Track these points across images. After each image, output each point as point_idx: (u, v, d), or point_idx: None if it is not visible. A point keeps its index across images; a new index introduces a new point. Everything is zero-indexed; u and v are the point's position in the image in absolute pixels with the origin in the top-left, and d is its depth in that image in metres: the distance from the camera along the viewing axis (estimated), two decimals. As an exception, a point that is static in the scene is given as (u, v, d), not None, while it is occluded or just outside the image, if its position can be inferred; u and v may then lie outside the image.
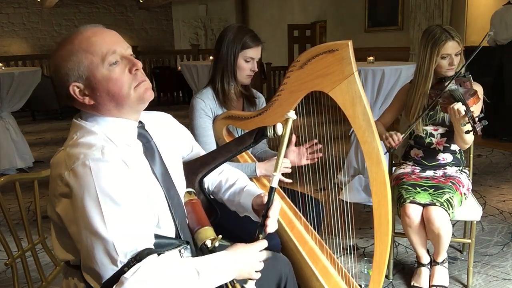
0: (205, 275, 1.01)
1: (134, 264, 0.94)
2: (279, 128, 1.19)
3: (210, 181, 1.45)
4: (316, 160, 1.85)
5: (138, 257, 0.95)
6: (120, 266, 0.94)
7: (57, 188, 0.99)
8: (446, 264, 2.13)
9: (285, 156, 1.82)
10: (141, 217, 1.00)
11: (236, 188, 1.41)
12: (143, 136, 1.15)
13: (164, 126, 1.29)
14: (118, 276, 0.94)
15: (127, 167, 1.01)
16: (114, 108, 1.07)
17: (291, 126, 1.18)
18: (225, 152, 1.43)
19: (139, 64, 1.07)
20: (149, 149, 1.15)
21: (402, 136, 2.01)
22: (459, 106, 1.86)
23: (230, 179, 1.44)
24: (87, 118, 1.10)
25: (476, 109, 2.01)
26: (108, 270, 0.95)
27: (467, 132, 1.84)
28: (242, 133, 1.96)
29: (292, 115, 1.18)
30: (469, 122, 1.82)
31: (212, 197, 1.45)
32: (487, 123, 1.83)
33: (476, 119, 1.82)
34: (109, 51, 1.03)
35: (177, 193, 1.21)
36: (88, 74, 1.03)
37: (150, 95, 1.10)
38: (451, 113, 1.91)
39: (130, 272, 0.94)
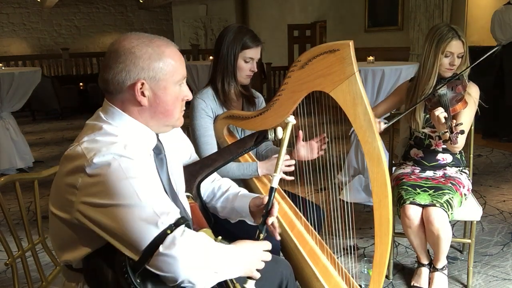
0: (228, 256, 1.05)
1: (175, 228, 0.95)
2: (279, 132, 1.28)
3: (203, 189, 1.45)
4: (322, 153, 1.85)
5: (177, 223, 0.97)
6: (161, 227, 0.94)
7: (79, 180, 0.98)
8: (446, 271, 2.12)
9: (293, 154, 1.82)
10: (166, 195, 1.04)
11: (229, 194, 1.42)
12: (157, 148, 1.17)
13: (172, 137, 1.30)
14: (158, 240, 0.94)
15: (147, 163, 1.05)
16: (156, 119, 1.11)
17: (291, 129, 1.25)
18: (225, 155, 1.44)
19: (190, 97, 1.18)
20: (160, 161, 1.17)
21: (384, 127, 2.01)
22: (439, 113, 1.85)
23: (223, 186, 1.46)
24: (114, 117, 1.08)
25: (464, 114, 2.01)
26: (149, 234, 0.94)
27: (445, 141, 1.84)
28: (243, 132, 1.97)
29: (291, 119, 1.26)
30: (447, 131, 1.82)
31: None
32: (464, 132, 1.86)
33: (458, 127, 1.81)
34: (184, 75, 1.13)
35: (182, 204, 1.23)
36: (164, 84, 1.08)
37: (180, 125, 1.19)
38: (432, 119, 1.92)
39: (178, 232, 0.95)
